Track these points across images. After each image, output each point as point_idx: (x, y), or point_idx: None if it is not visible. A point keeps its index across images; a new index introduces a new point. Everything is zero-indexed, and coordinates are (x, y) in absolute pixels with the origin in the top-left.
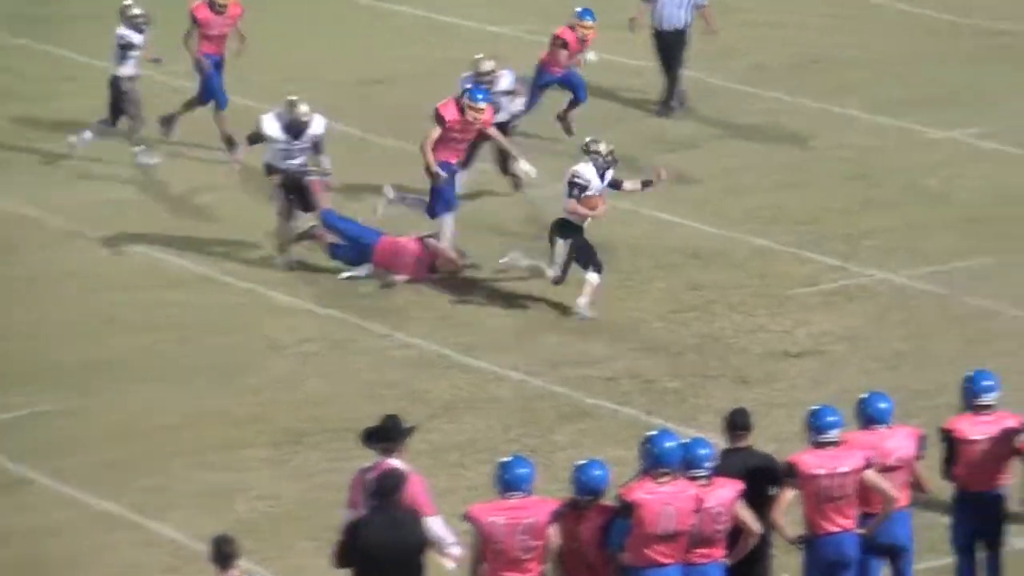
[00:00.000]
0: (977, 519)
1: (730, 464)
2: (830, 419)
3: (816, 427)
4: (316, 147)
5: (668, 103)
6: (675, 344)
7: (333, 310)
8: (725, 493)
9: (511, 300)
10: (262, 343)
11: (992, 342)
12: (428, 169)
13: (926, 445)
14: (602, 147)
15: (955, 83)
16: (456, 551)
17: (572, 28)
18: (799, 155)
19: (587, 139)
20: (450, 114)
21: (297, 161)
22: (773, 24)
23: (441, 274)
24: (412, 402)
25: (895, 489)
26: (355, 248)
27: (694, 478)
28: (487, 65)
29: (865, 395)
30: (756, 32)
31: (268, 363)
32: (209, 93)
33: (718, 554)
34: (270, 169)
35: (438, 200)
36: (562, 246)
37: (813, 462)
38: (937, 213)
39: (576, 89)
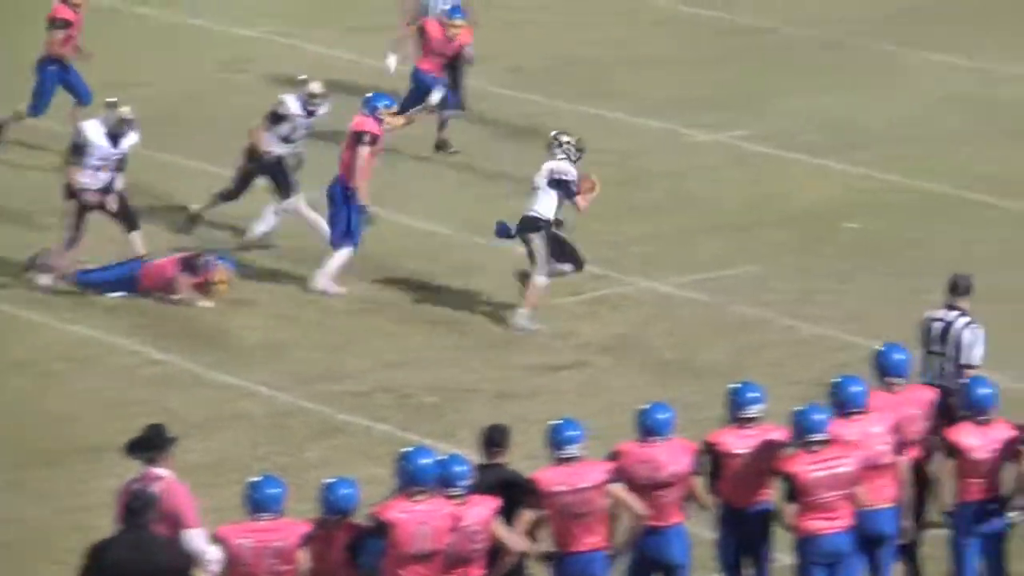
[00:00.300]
0: (742, 535)
1: (484, 481)
2: (569, 434)
3: (556, 442)
4: (121, 162)
5: (458, 98)
6: (433, 356)
7: (78, 326)
8: (481, 511)
9: (261, 315)
10: (2, 361)
11: (761, 352)
12: (360, 200)
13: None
14: (569, 137)
15: (720, 84)
16: (215, 568)
17: (441, 25)
18: None
19: (552, 132)
20: (376, 128)
21: (104, 179)
22: (529, 24)
23: (211, 291)
24: (161, 420)
25: (671, 504)
26: (123, 284)
27: (450, 496)
28: (317, 87)
29: (646, 406)
30: (513, 33)
31: (9, 382)
32: (79, 93)
33: (476, 573)
34: (70, 192)
35: (346, 229)
36: (539, 241)
37: (554, 479)
38: (703, 219)
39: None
